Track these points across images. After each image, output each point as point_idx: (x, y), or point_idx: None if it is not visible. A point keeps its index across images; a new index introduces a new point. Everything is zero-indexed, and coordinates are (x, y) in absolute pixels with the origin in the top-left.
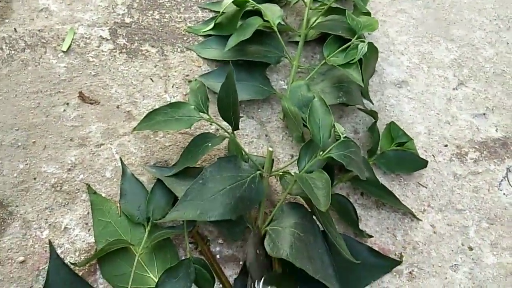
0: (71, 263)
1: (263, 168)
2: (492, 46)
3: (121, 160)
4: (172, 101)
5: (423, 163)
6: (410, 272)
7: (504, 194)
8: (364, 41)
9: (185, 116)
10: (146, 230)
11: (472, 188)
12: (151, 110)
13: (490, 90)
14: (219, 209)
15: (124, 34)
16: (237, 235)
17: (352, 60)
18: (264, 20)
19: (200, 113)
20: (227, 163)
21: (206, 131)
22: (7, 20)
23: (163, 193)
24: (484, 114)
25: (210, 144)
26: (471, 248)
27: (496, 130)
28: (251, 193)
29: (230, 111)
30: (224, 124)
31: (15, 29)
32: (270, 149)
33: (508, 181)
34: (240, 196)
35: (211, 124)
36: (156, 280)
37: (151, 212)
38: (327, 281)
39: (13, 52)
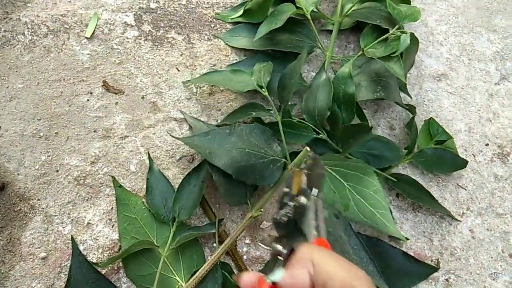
0: (93, 263)
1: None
2: None
3: (148, 155)
4: (198, 92)
5: (463, 163)
6: (446, 279)
7: None
8: (406, 32)
9: (243, 83)
10: (172, 230)
11: None
12: (177, 100)
13: None
14: (228, 161)
15: (149, 21)
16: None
17: (394, 52)
18: (297, 7)
19: (257, 86)
20: (261, 133)
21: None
22: (29, 5)
23: (190, 192)
24: None
25: (254, 113)
26: None
27: None
28: (265, 172)
29: (287, 91)
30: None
31: (37, 14)
32: (307, 148)
33: None
34: (253, 165)
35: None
36: (182, 282)
37: (177, 212)
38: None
39: (35, 38)
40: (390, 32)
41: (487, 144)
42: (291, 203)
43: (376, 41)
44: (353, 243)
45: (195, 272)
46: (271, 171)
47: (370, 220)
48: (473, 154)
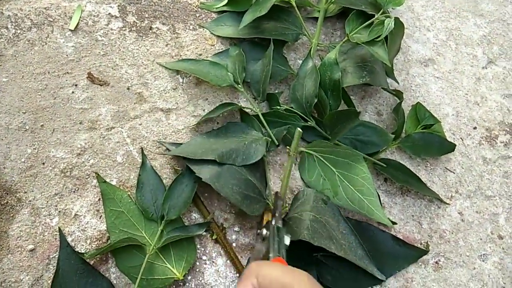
0: (80, 252)
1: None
2: None
3: (142, 151)
4: (185, 81)
5: (451, 147)
6: (436, 262)
7: None
8: (390, 17)
9: (221, 77)
10: (159, 229)
11: (503, 173)
12: (162, 90)
13: None
14: (209, 154)
15: (133, 11)
16: (256, 210)
17: (378, 37)
18: None
19: (234, 82)
20: (236, 128)
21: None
22: None
23: (181, 191)
24: None
25: (233, 108)
26: (501, 237)
27: None
28: (249, 151)
29: (261, 85)
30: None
31: (20, 8)
32: (299, 130)
33: None
34: (235, 149)
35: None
36: (174, 270)
37: (166, 210)
38: (358, 261)
39: (19, 31)
40: (375, 17)
41: (475, 128)
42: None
43: (361, 27)
44: (341, 228)
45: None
46: (254, 149)
47: (358, 206)
48: (461, 138)
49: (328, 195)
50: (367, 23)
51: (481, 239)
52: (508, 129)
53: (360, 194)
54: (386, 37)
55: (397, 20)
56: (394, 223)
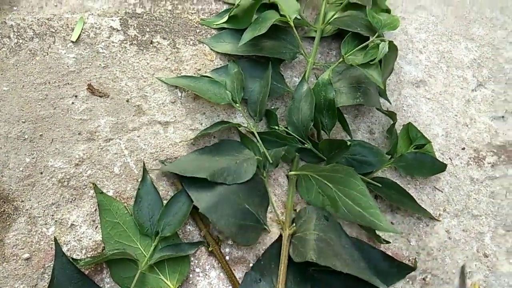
0: (73, 259)
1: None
2: None
3: (143, 165)
4: (183, 95)
5: (442, 167)
6: (423, 279)
7: None
8: (385, 40)
9: (219, 95)
10: (153, 245)
11: (489, 193)
12: (161, 104)
13: (510, 92)
14: (201, 173)
15: (135, 25)
16: (250, 240)
17: (373, 60)
18: (280, 15)
19: (232, 101)
20: (228, 147)
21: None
22: (15, 8)
23: (178, 210)
24: (503, 117)
25: (229, 125)
26: (486, 255)
27: None
28: (240, 170)
29: (258, 105)
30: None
31: (23, 18)
32: (297, 155)
33: None
34: (226, 167)
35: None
36: (168, 282)
37: (161, 227)
38: (361, 274)
39: (21, 41)
40: (370, 40)
41: (463, 148)
42: None
43: (356, 49)
44: (343, 242)
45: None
46: (245, 168)
47: (361, 220)
48: (450, 158)
49: (329, 211)
50: (362, 45)
51: (467, 257)
52: (495, 151)
53: (359, 208)
54: (380, 60)
55: (391, 43)
56: (387, 241)
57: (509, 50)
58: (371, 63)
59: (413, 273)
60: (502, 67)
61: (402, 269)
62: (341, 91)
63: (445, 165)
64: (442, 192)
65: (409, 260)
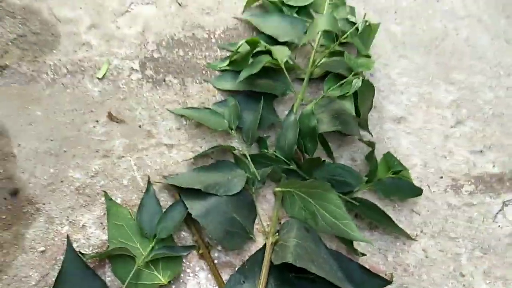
0: (81, 253)
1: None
2: (491, 90)
3: (148, 179)
4: (188, 123)
5: (419, 191)
6: None
7: (499, 226)
8: (358, 78)
9: (218, 123)
10: (151, 245)
11: (467, 218)
12: (168, 129)
13: (488, 130)
14: (197, 184)
15: (151, 67)
16: (236, 245)
17: (347, 93)
18: (273, 58)
19: (228, 128)
20: (222, 165)
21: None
22: (54, 51)
23: (173, 217)
24: (481, 151)
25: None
26: (463, 275)
27: (493, 166)
28: (230, 184)
29: (250, 131)
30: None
31: (60, 59)
32: (284, 175)
33: (504, 214)
34: (219, 182)
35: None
36: (160, 277)
37: (158, 230)
38: (337, 282)
39: (56, 77)
40: (346, 78)
41: (441, 177)
42: None
43: (336, 85)
44: (323, 253)
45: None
46: (234, 182)
47: (336, 230)
48: (427, 185)
49: (310, 224)
50: (340, 82)
51: (443, 275)
52: (473, 180)
53: (335, 219)
54: (356, 94)
55: (366, 81)
56: (363, 254)
57: (487, 93)
58: (346, 95)
59: (389, 286)
60: (481, 107)
61: (379, 281)
62: (323, 121)
63: (421, 190)
64: (419, 215)
65: (385, 275)
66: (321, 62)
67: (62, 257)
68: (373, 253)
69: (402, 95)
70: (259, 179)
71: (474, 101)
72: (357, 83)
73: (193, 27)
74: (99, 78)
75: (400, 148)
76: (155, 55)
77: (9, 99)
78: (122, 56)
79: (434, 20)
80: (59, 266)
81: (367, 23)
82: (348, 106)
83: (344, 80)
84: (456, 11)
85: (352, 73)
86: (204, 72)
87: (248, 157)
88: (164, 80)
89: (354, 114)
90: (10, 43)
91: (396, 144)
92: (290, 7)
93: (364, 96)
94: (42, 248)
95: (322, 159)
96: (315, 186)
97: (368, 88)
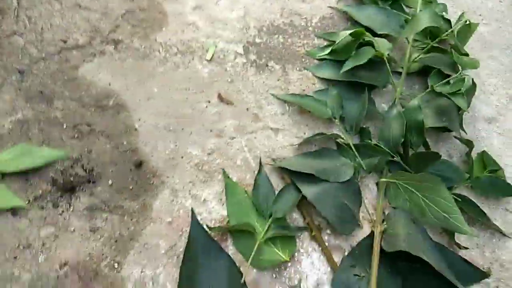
0: (207, 226)
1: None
2: None
3: (260, 162)
4: (291, 109)
5: None
6: (497, 286)
7: None
8: (469, 75)
9: (321, 111)
10: (267, 224)
11: None
12: (273, 114)
13: None
14: (308, 169)
15: (254, 52)
16: (347, 230)
17: (459, 90)
18: (376, 51)
19: (332, 116)
20: (328, 154)
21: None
22: (163, 29)
23: (287, 199)
24: None
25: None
26: None
27: None
28: (339, 171)
29: (354, 121)
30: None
31: (169, 38)
32: (387, 168)
33: None
34: (328, 169)
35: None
36: (280, 252)
37: (274, 210)
38: (445, 273)
39: (167, 55)
40: (455, 75)
41: None
42: None
43: (442, 81)
44: (428, 244)
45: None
46: (344, 170)
47: (445, 223)
48: None
49: (415, 215)
50: (449, 79)
51: None
52: None
53: (445, 213)
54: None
55: (472, 79)
56: (465, 247)
57: None
58: (457, 92)
59: (486, 280)
60: None
61: (478, 274)
62: (427, 116)
63: None
64: None
65: (483, 269)
66: (419, 57)
67: (187, 229)
68: (472, 247)
69: (492, 95)
70: (365, 168)
71: None
72: (469, 80)
73: (291, 13)
74: (207, 60)
75: (493, 148)
76: (257, 40)
77: (126, 73)
78: (227, 40)
79: None
80: (185, 237)
81: (467, 22)
82: (461, 103)
83: (454, 77)
84: None
85: (460, 72)
86: (303, 59)
87: (353, 147)
88: (267, 65)
89: (467, 110)
90: (120, 18)
91: (489, 144)
92: (384, 0)
93: (467, 94)
94: (169, 219)
95: (438, 153)
96: (425, 180)
97: (471, 86)
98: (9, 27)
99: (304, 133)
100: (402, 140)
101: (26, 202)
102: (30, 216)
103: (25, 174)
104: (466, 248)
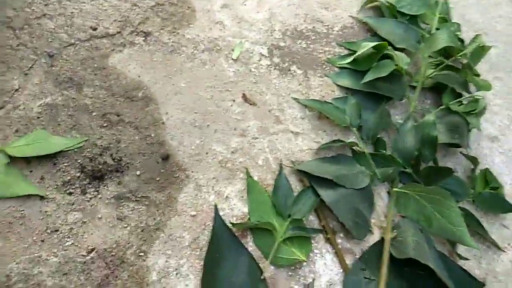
0: (230, 222)
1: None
2: None
3: (280, 165)
4: (310, 114)
5: (511, 208)
6: None
7: None
8: (483, 98)
9: (340, 118)
10: (286, 224)
11: None
12: (294, 117)
13: None
14: (326, 174)
15: (278, 55)
16: (361, 235)
17: (473, 110)
18: (395, 64)
19: (350, 125)
20: (344, 160)
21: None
22: (192, 25)
23: (305, 202)
24: None
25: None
26: None
27: None
28: (355, 179)
29: (371, 131)
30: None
31: (197, 34)
32: (398, 179)
33: None
34: (346, 175)
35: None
36: (297, 252)
37: (293, 211)
38: (448, 283)
39: (195, 51)
40: (468, 95)
41: None
42: None
43: (456, 100)
44: (433, 253)
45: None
46: (361, 178)
47: (450, 235)
48: None
49: (423, 225)
50: (462, 98)
51: None
52: None
53: (451, 225)
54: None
55: (484, 101)
56: (466, 258)
57: None
58: (471, 112)
59: None
60: None
61: (475, 284)
62: (440, 131)
63: None
64: (508, 229)
65: (479, 279)
66: (433, 73)
67: (210, 223)
68: (469, 258)
69: (496, 115)
70: (379, 177)
71: None
72: (483, 103)
73: (314, 20)
74: (233, 59)
75: (494, 165)
76: (281, 43)
77: (155, 66)
78: (252, 40)
79: None
80: (208, 231)
81: (480, 45)
82: (475, 122)
83: (468, 97)
84: None
85: (475, 93)
86: (324, 66)
87: (369, 156)
88: (289, 70)
89: (480, 129)
90: (149, 10)
91: (490, 161)
92: (403, 14)
93: (479, 114)
94: (193, 213)
95: (451, 169)
96: (436, 193)
97: (483, 108)
98: (40, 8)
99: (322, 139)
100: (416, 153)
101: (54, 188)
102: (58, 201)
103: (52, 158)
104: (467, 259)
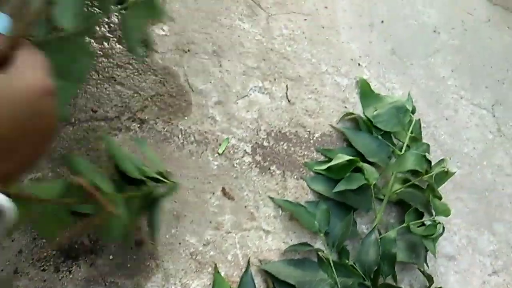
0: None
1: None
2: None
3: (248, 260)
4: (283, 214)
5: None
6: None
7: None
8: (441, 224)
9: (310, 223)
10: None
11: None
12: (267, 216)
13: None
14: (287, 276)
15: (261, 153)
16: None
17: (431, 234)
18: (365, 178)
19: (319, 230)
20: (308, 265)
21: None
22: (186, 117)
23: None
24: None
25: (306, 249)
26: None
27: None
28: (318, 286)
29: (337, 240)
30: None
31: (189, 126)
32: None
33: None
34: (309, 282)
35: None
36: None
37: None
38: None
39: (185, 142)
40: (429, 218)
41: None
42: None
43: (417, 221)
44: None
45: None
46: (322, 286)
47: None
48: None
49: None
50: (423, 220)
51: None
52: None
53: None
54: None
55: (443, 227)
56: None
57: None
58: (429, 236)
59: None
60: None
61: None
62: (400, 248)
63: None
64: None
65: None
66: (399, 189)
67: None
68: None
69: (455, 235)
70: (339, 287)
71: (508, 256)
72: (440, 229)
73: (297, 124)
74: (219, 153)
75: (448, 285)
76: (265, 143)
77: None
78: (239, 137)
79: (487, 172)
80: None
81: (445, 169)
82: (431, 248)
83: (429, 219)
84: (504, 167)
85: (434, 216)
86: (301, 169)
87: (332, 264)
88: (269, 169)
89: (435, 255)
90: (149, 99)
91: (445, 280)
92: (377, 129)
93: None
94: None
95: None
96: None
97: (441, 232)
98: None
99: (291, 240)
100: (376, 267)
101: (29, 262)
102: (31, 276)
103: (32, 233)
104: None
